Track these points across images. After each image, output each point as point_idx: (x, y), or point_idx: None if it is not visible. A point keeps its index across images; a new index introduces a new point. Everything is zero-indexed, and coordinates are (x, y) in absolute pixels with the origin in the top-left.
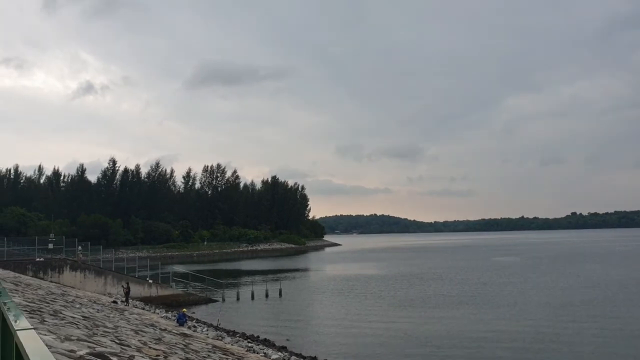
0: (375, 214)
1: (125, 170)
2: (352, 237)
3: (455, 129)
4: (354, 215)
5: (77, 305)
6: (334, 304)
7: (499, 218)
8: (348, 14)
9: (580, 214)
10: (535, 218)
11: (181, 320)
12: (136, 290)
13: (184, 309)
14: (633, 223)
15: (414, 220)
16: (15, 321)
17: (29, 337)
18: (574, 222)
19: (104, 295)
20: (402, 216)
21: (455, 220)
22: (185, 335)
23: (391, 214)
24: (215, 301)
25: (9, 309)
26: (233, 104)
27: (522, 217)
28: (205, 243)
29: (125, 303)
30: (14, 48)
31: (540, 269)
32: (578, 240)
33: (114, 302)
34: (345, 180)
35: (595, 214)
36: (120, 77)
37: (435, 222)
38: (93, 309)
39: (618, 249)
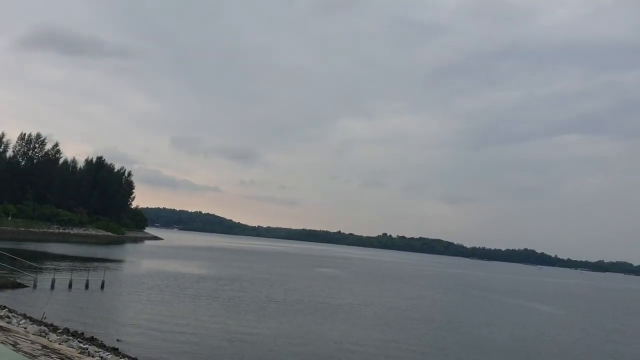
0: (200, 212)
1: None
2: (173, 232)
3: (292, 139)
4: (177, 209)
5: None
6: (164, 302)
7: (319, 230)
8: (202, 8)
9: (390, 235)
10: (350, 234)
11: None
12: None
13: None
14: (433, 250)
15: (239, 223)
16: None
17: None
18: (384, 242)
19: None
20: (228, 217)
21: (277, 227)
22: (2, 329)
23: (217, 214)
24: (25, 287)
25: None
26: (66, 74)
27: (339, 231)
28: (10, 219)
29: None
30: None
31: (364, 283)
32: (390, 260)
33: None
34: (176, 173)
35: (403, 237)
36: None
37: (258, 226)
38: None
39: (424, 272)
